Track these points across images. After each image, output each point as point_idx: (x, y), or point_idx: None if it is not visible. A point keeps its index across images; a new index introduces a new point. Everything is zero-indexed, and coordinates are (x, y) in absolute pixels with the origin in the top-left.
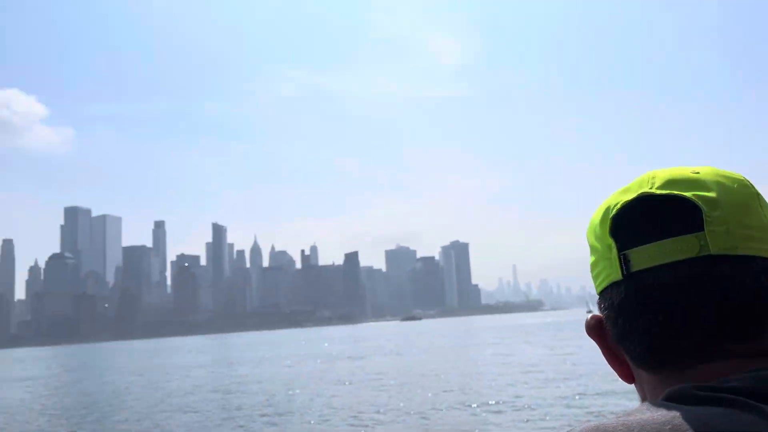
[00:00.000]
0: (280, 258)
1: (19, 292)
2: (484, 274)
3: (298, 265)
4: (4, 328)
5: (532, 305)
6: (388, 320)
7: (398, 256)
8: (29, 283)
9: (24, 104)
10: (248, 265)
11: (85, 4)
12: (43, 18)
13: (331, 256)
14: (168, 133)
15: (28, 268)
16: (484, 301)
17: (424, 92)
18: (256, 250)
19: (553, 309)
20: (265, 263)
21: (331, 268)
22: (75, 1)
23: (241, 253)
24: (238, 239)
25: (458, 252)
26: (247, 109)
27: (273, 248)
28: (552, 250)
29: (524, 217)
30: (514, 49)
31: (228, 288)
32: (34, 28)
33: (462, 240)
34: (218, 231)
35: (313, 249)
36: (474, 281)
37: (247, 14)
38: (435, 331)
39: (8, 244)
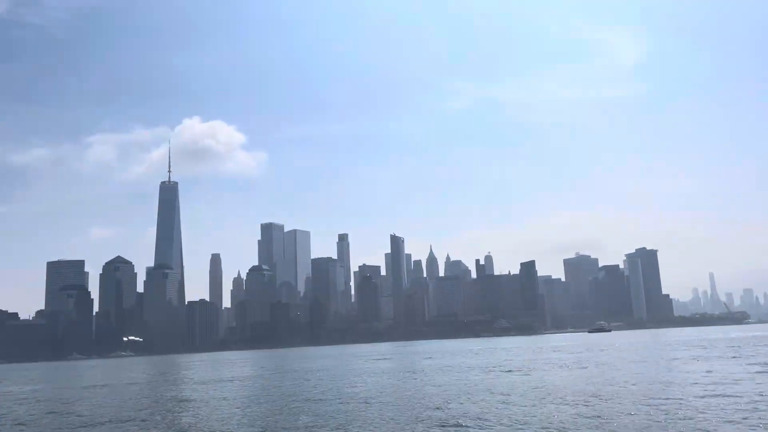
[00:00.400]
0: (455, 268)
1: (226, 301)
2: (676, 284)
3: (474, 274)
4: (215, 333)
5: (734, 317)
6: (569, 332)
7: (578, 265)
8: (233, 293)
9: (226, 133)
10: (425, 274)
11: (272, 39)
12: (238, 54)
13: (506, 265)
14: (348, 151)
15: (232, 279)
16: (677, 312)
17: (600, 94)
18: (432, 260)
19: (761, 322)
20: (441, 273)
21: (507, 278)
22: (264, 38)
23: (418, 263)
24: (415, 250)
25: (645, 260)
26: (421, 123)
27: (448, 258)
28: (757, 256)
29: (721, 220)
30: (700, 40)
31: (407, 297)
32: (232, 64)
33: (649, 247)
34: (396, 242)
35: (488, 258)
36: (664, 291)
37: (414, 33)
38: (634, 343)
39: (216, 258)
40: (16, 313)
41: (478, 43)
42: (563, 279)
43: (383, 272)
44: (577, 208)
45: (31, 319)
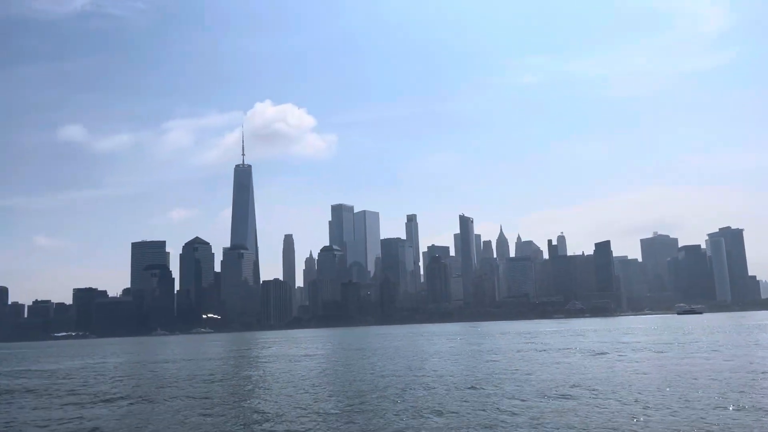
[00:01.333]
0: (526, 248)
1: (299, 280)
2: (764, 265)
3: (546, 255)
4: (288, 311)
5: None
6: (647, 314)
7: (656, 245)
8: (306, 273)
9: (297, 116)
10: (495, 255)
11: (340, 21)
12: (307, 37)
13: (579, 245)
14: (417, 131)
15: (304, 259)
16: (764, 294)
17: (682, 65)
18: (502, 241)
19: None
20: (512, 254)
21: (580, 259)
22: (332, 20)
23: (487, 243)
24: (485, 230)
25: (730, 240)
26: (490, 101)
27: (519, 238)
28: None
29: None
30: None
31: (476, 278)
32: (301, 47)
33: (734, 226)
34: (465, 223)
35: (561, 239)
36: (751, 272)
37: (482, 6)
38: (736, 326)
39: (289, 238)
40: (105, 291)
41: (551, 15)
42: (640, 259)
43: (452, 253)
44: (656, 185)
45: (118, 296)
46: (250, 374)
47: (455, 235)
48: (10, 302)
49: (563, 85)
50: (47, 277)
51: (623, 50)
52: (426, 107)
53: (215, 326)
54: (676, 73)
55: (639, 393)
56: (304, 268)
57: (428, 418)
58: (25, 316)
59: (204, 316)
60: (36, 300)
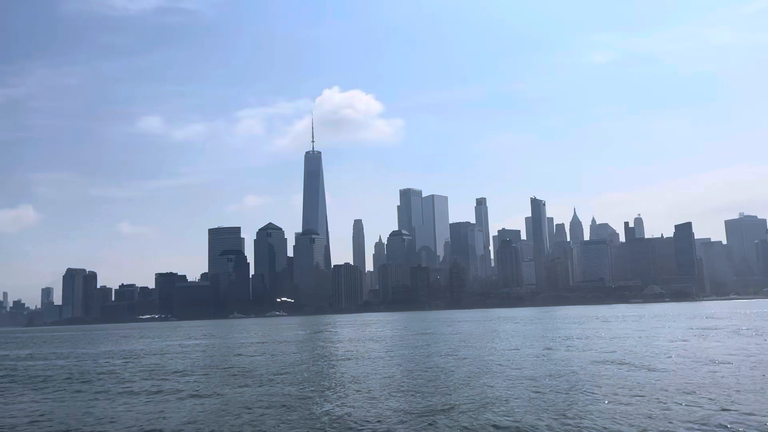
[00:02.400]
0: (601, 231)
1: (369, 265)
2: None
3: (622, 238)
4: (359, 295)
5: None
6: (733, 299)
7: (742, 226)
8: (375, 257)
9: (364, 102)
10: (568, 238)
11: (404, 5)
12: (372, 23)
13: (658, 228)
14: (484, 113)
15: (374, 243)
16: None
17: (763, 37)
18: (576, 224)
19: None
20: (586, 237)
21: (659, 241)
22: (396, 4)
23: (560, 227)
24: (557, 213)
25: None
26: (558, 80)
27: (594, 221)
28: None
29: None
30: None
31: (549, 262)
32: (367, 33)
33: None
34: (537, 205)
35: (638, 221)
36: None
37: None
38: None
39: (359, 223)
40: (185, 276)
41: None
42: (724, 242)
43: (523, 236)
44: (740, 164)
45: (197, 280)
46: (334, 355)
47: (526, 219)
48: (98, 286)
49: (635, 62)
50: (131, 263)
51: (699, 23)
52: (494, 88)
53: (289, 309)
54: (758, 45)
55: None
56: (373, 252)
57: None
58: (113, 299)
59: (278, 300)
60: (122, 284)
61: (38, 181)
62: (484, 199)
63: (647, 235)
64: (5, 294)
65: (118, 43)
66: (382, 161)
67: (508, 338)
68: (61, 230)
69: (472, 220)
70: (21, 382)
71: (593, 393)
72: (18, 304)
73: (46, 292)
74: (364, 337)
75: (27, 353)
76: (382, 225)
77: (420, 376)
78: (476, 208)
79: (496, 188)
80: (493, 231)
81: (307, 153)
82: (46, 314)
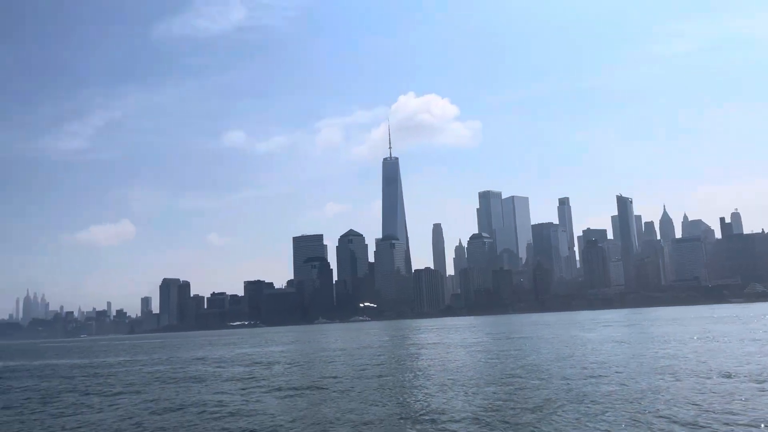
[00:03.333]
0: (694, 228)
1: (449, 269)
2: None
3: (718, 234)
4: (440, 299)
5: None
6: None
7: None
8: (456, 261)
9: (440, 106)
10: (658, 237)
11: (476, 6)
12: (444, 26)
13: (758, 223)
14: (564, 110)
15: (453, 247)
16: None
17: None
18: (666, 221)
19: None
20: (678, 234)
21: (761, 237)
22: (468, 5)
23: (649, 224)
24: (645, 211)
25: None
26: (641, 73)
27: (685, 218)
28: None
29: None
30: None
31: (638, 261)
32: (439, 37)
33: None
34: (623, 203)
35: (735, 216)
36: None
37: None
38: None
39: (438, 227)
40: (272, 283)
41: None
42: None
43: (610, 236)
44: None
45: (283, 287)
46: (418, 359)
47: (612, 217)
48: (192, 295)
49: (721, 50)
50: (221, 272)
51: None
52: (572, 84)
53: (372, 314)
54: None
55: None
56: (453, 256)
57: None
58: (205, 307)
59: (361, 305)
60: (213, 292)
61: (135, 196)
62: (567, 198)
63: (747, 231)
64: (109, 303)
65: (203, 63)
66: (460, 164)
67: (609, 342)
68: (156, 242)
69: (555, 221)
70: (120, 386)
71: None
72: (120, 313)
73: (145, 302)
74: (451, 342)
75: (126, 359)
76: (461, 228)
77: (513, 383)
78: (559, 208)
79: (578, 187)
80: (577, 231)
81: (385, 159)
82: (146, 322)
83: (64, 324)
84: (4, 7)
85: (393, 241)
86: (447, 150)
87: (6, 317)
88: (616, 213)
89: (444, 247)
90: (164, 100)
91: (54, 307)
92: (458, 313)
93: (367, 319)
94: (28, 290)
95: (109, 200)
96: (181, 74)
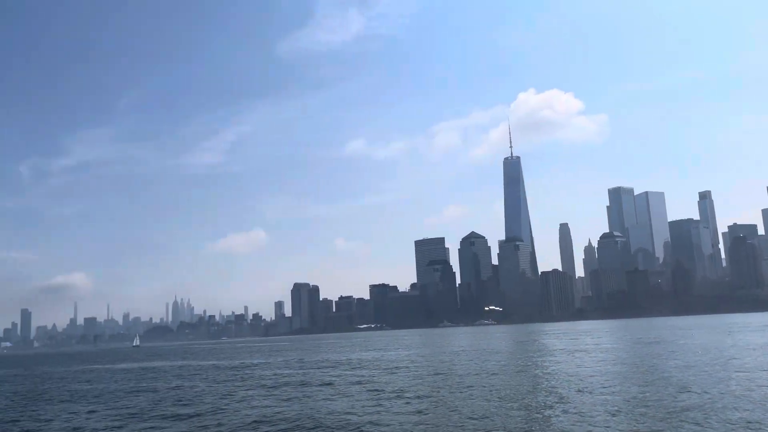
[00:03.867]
0: None
1: (578, 270)
2: None
3: None
4: (570, 302)
5: None
6: None
7: None
8: (585, 262)
9: (563, 101)
10: None
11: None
12: (560, 20)
13: None
14: (699, 97)
15: (583, 248)
16: None
17: None
18: None
19: None
20: None
21: None
22: None
23: None
24: None
25: None
26: None
27: None
28: None
29: None
30: None
31: None
32: (558, 30)
33: None
34: None
35: None
36: None
37: None
38: None
39: (565, 227)
40: (396, 287)
41: None
42: None
43: (761, 231)
44: None
45: (407, 291)
46: (550, 364)
47: (763, 211)
48: (321, 298)
49: None
50: (348, 276)
51: None
52: (710, 69)
53: (497, 318)
54: None
55: None
56: (583, 257)
57: None
58: (334, 310)
59: (486, 308)
60: (341, 296)
61: (265, 205)
62: (709, 192)
63: None
64: (246, 308)
65: (323, 75)
66: (586, 160)
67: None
68: (287, 248)
69: (695, 217)
70: (253, 388)
71: None
72: (256, 317)
73: (279, 305)
74: (584, 347)
75: (262, 362)
76: (590, 228)
77: (657, 394)
78: (699, 203)
79: (720, 180)
80: (721, 227)
81: (506, 159)
82: (279, 325)
83: (207, 327)
84: (156, 38)
85: (517, 243)
86: (572, 146)
87: (158, 321)
88: (767, 206)
89: (572, 248)
90: (289, 113)
91: (198, 311)
92: (590, 317)
93: (493, 322)
94: (176, 296)
95: (242, 210)
96: (304, 87)
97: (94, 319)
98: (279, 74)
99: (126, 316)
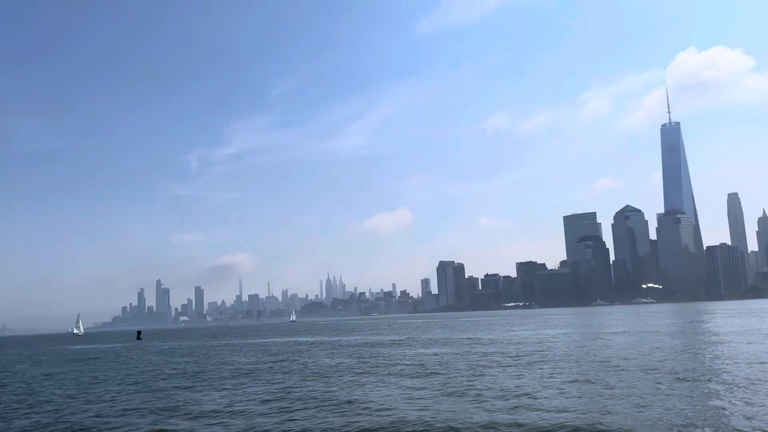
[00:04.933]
0: None
1: (751, 244)
2: None
3: None
4: (741, 279)
5: None
6: None
7: None
8: (760, 235)
9: (729, 59)
10: None
11: None
12: None
13: None
14: None
15: (756, 219)
16: None
17: None
18: None
19: None
20: None
21: None
22: None
23: None
24: None
25: None
26: None
27: None
28: None
29: None
30: None
31: None
32: None
33: None
34: None
35: None
36: None
37: None
38: None
39: (734, 197)
40: (544, 264)
41: None
42: None
43: None
44: None
45: (556, 268)
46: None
47: None
48: (466, 276)
49: None
50: (493, 253)
51: None
52: None
53: (656, 296)
54: None
55: None
56: (757, 229)
57: None
58: (479, 288)
59: (643, 286)
60: (487, 273)
61: (409, 185)
62: None
63: None
64: (394, 285)
65: (464, 51)
66: (759, 123)
67: None
68: (431, 227)
69: None
70: (399, 367)
71: None
72: (404, 294)
73: (425, 283)
74: (759, 329)
75: (405, 338)
76: (765, 197)
77: None
78: None
79: None
80: None
81: (664, 126)
82: (427, 302)
83: (358, 303)
84: (300, 32)
85: (678, 216)
86: (741, 108)
87: (313, 297)
88: None
89: (743, 220)
90: (429, 92)
91: (349, 288)
92: (765, 295)
93: (652, 301)
94: (328, 273)
95: (387, 190)
96: (444, 65)
97: (257, 295)
98: (418, 55)
99: (285, 293)
